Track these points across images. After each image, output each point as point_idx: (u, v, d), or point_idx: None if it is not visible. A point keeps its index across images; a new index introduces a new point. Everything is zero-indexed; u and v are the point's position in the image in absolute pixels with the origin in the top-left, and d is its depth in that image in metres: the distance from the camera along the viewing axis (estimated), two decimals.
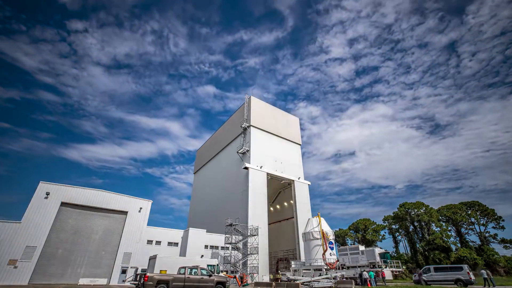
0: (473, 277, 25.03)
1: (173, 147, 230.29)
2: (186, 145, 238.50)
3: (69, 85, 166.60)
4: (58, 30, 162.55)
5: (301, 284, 24.41)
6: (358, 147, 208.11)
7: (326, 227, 36.20)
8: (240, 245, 39.17)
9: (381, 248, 32.45)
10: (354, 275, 29.51)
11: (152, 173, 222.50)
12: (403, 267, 51.31)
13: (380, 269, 28.24)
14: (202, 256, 37.09)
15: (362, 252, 30.96)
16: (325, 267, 31.69)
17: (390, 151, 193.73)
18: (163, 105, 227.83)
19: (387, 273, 28.58)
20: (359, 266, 30.24)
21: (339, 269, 31.40)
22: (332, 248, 34.47)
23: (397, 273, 33.26)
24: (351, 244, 65.56)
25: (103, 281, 28.96)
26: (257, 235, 39.49)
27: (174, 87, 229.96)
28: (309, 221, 38.71)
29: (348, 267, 31.38)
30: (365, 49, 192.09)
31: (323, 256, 33.33)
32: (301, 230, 47.34)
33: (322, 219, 36.90)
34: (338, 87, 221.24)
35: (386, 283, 28.32)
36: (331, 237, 35.51)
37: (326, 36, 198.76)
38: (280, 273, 39.61)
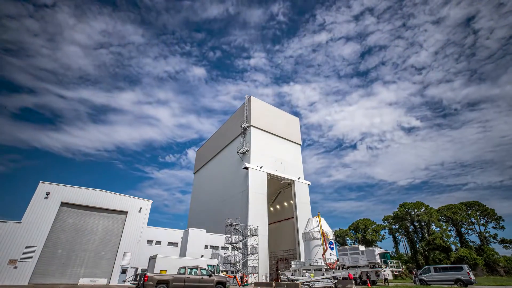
0: (473, 277, 25.05)
1: (161, 138, 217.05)
2: (175, 137, 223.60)
3: (42, 68, 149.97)
4: (24, 2, 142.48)
5: (301, 284, 24.41)
6: (359, 138, 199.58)
7: (326, 227, 36.14)
8: (240, 245, 39.18)
9: (381, 248, 32.31)
10: (354, 275, 29.52)
11: (142, 168, 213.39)
12: (403, 267, 51.30)
13: (380, 269, 28.25)
14: (202, 256, 37.10)
15: (362, 252, 30.88)
16: (325, 267, 31.69)
17: (394, 144, 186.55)
18: (148, 90, 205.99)
19: (388, 273, 28.56)
20: (359, 266, 30.14)
21: (339, 269, 31.37)
22: (332, 248, 34.50)
23: (397, 273, 33.28)
24: (351, 244, 65.54)
25: (103, 281, 28.95)
26: (257, 235, 39.50)
27: (157, 70, 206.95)
28: (309, 221, 38.72)
29: (348, 267, 31.28)
30: (372, 25, 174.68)
31: (323, 256, 33.33)
32: (301, 230, 47.33)
33: (322, 219, 36.91)
34: (341, 71, 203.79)
35: (389, 283, 28.34)
36: (331, 237, 35.44)
37: (328, 12, 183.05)
38: (280, 273, 39.63)
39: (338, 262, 32.33)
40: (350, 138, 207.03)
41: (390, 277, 28.84)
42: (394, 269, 29.93)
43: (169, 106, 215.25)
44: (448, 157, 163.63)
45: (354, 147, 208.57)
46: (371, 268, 28.89)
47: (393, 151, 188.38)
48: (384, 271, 27.91)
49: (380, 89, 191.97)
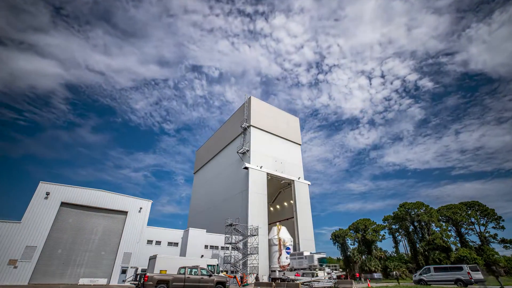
0: (477, 276, 24.96)
1: (112, 103, 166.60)
2: (130, 102, 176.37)
3: None
4: None
5: (301, 284, 24.42)
6: (360, 107, 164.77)
7: (285, 235, 42.23)
8: (240, 245, 39.17)
9: (323, 253, 37.83)
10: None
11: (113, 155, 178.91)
12: (401, 269, 51.32)
13: (314, 271, 32.08)
14: (202, 256, 37.08)
15: (306, 257, 35.77)
16: (278, 269, 38.70)
17: (405, 118, 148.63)
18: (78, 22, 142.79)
19: (321, 275, 31.97)
20: (301, 269, 35.04)
21: (291, 270, 36.39)
22: (288, 253, 40.64)
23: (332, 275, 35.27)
24: (350, 245, 66.12)
25: (103, 281, 28.95)
26: (257, 235, 39.49)
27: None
28: (271, 229, 44.38)
29: (295, 269, 35.85)
30: None
31: (278, 260, 39.80)
32: (301, 230, 47.46)
33: (283, 227, 43.41)
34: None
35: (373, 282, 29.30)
36: (288, 244, 41.41)
37: None
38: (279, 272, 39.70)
39: (289, 265, 38.00)
40: (349, 109, 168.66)
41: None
42: (330, 271, 34.74)
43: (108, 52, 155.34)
44: (473, 140, 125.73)
45: (356, 122, 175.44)
46: (310, 270, 32.74)
47: (401, 126, 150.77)
48: (317, 274, 31.74)
49: (396, 33, 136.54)
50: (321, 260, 34.76)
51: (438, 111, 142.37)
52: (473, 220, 56.97)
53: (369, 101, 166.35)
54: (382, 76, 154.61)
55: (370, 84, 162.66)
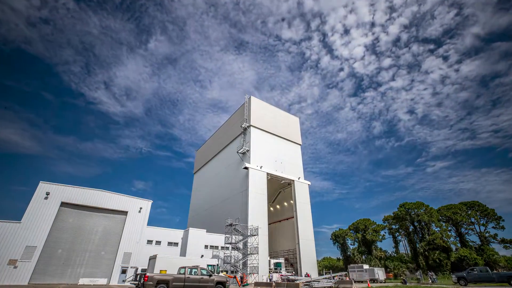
0: None
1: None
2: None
3: None
4: None
5: (301, 284, 24.40)
6: (361, 56, 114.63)
7: None
8: (240, 245, 39.15)
9: (281, 259, 44.93)
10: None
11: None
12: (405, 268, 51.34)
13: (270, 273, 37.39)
14: (202, 256, 37.07)
15: (269, 261, 41.74)
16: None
17: (419, 77, 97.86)
18: None
19: (276, 276, 35.73)
20: None
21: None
22: None
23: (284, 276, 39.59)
24: (350, 245, 66.40)
25: (103, 281, 28.93)
26: (257, 235, 39.47)
27: None
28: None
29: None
30: None
31: None
32: (301, 230, 47.42)
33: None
34: None
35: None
36: None
37: None
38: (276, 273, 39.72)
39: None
40: (346, 58, 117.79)
41: (280, 281, 34.97)
42: (283, 274, 39.27)
43: None
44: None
45: (357, 84, 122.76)
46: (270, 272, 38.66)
47: (414, 91, 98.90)
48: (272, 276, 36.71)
49: None
50: (276, 264, 42.20)
51: (470, 71, 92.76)
52: (473, 220, 56.97)
53: (372, 50, 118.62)
54: (390, 1, 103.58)
55: (373, 16, 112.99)
